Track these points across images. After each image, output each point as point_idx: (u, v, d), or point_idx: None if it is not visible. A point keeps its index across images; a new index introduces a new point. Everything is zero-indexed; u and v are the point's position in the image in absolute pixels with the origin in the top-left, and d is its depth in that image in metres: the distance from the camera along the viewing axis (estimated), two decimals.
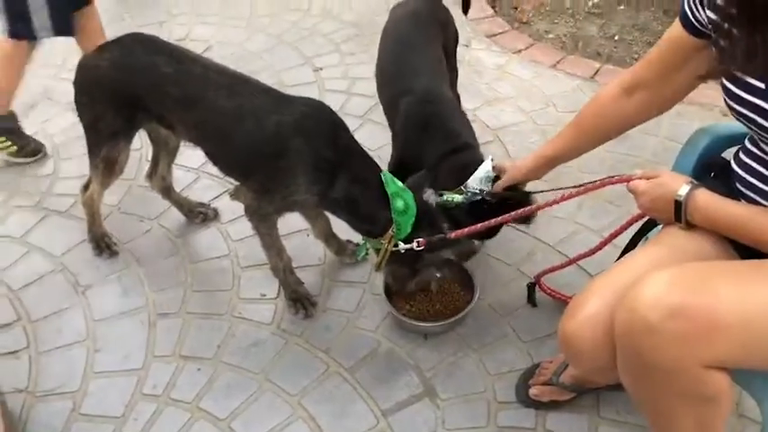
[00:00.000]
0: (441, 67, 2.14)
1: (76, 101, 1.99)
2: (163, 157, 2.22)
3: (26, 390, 1.92)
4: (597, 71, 2.98)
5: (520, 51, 3.14)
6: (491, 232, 1.98)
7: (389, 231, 1.80)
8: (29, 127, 2.80)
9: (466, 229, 1.76)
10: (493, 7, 3.52)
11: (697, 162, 1.58)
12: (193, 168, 2.56)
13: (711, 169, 1.52)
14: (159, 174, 2.26)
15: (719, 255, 1.33)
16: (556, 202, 1.71)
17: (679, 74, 1.42)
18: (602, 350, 1.28)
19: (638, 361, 1.19)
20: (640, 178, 1.42)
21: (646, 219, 1.61)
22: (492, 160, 1.87)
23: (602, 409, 1.80)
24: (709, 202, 1.31)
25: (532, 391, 1.81)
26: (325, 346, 2.00)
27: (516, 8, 3.54)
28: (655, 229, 1.58)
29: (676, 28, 1.37)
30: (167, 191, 2.32)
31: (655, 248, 1.38)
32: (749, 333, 1.12)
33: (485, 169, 1.86)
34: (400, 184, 1.82)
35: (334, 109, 1.89)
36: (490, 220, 1.74)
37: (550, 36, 3.35)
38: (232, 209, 2.36)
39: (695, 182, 1.35)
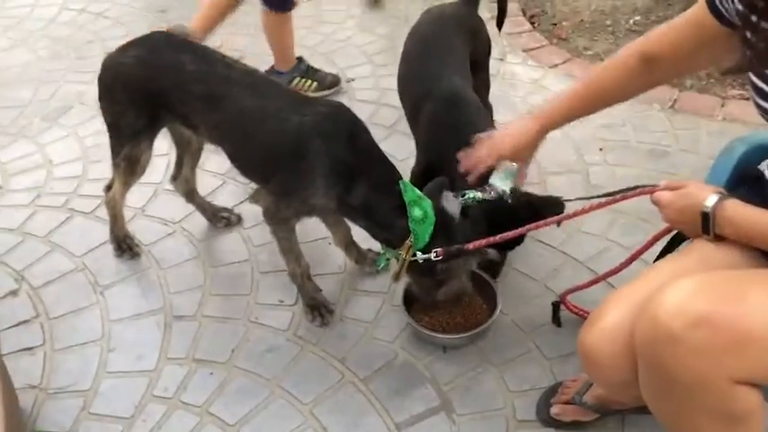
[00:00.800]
0: (465, 71, 2.10)
1: (100, 98, 1.99)
2: (186, 159, 2.21)
3: (39, 386, 1.91)
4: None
5: (556, 66, 3.08)
6: (513, 242, 1.91)
7: (407, 241, 1.74)
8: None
9: (483, 240, 1.69)
10: (531, 22, 3.47)
11: (733, 172, 1.50)
12: (219, 174, 2.55)
13: (746, 180, 1.44)
14: (183, 176, 2.25)
15: (750, 266, 1.24)
16: (576, 214, 1.63)
17: (699, 55, 1.37)
18: (623, 363, 1.21)
19: (661, 374, 1.11)
20: (665, 189, 1.34)
21: (675, 232, 1.53)
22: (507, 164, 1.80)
23: None
24: (738, 211, 1.23)
25: (554, 410, 1.73)
26: (341, 355, 1.95)
27: (555, 24, 3.49)
28: (684, 243, 1.50)
29: (701, 10, 1.30)
30: (191, 194, 2.31)
31: (680, 259, 1.31)
32: None
33: (504, 166, 1.79)
34: (418, 192, 1.76)
35: (362, 119, 1.85)
36: (508, 232, 1.67)
37: (589, 53, 3.28)
38: (255, 214, 2.33)
39: (724, 192, 1.27)
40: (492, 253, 1.79)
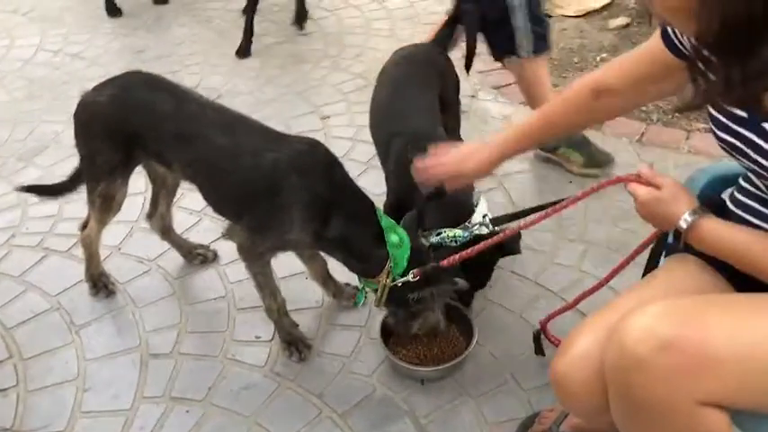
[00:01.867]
0: (434, 110, 2.14)
1: (76, 135, 2.01)
2: (162, 196, 2.22)
3: (11, 428, 1.88)
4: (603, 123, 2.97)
5: (526, 103, 3.14)
6: (482, 280, 1.95)
7: (387, 267, 1.76)
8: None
9: (457, 255, 1.73)
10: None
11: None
12: (195, 211, 2.56)
13: (709, 209, 1.48)
14: (159, 213, 2.26)
15: (716, 291, 1.28)
16: (563, 207, 1.64)
17: (653, 87, 1.40)
18: (594, 390, 1.22)
19: (630, 399, 1.13)
20: (641, 180, 1.36)
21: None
22: (485, 201, 1.85)
23: None
24: (711, 232, 1.24)
25: None
26: (319, 390, 1.94)
27: None
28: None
29: (655, 42, 1.34)
30: (167, 231, 2.31)
31: (647, 286, 1.34)
32: (744, 369, 1.06)
33: (481, 212, 1.84)
34: (392, 220, 1.79)
35: (338, 155, 1.89)
36: (480, 244, 1.72)
37: (559, 89, 3.36)
38: (231, 251, 2.30)
39: (698, 207, 1.29)
40: (461, 283, 1.82)
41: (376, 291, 1.82)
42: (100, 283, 2.25)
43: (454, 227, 1.88)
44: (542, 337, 1.97)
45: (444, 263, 1.74)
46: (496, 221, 1.92)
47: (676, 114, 3.01)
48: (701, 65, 1.17)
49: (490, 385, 1.94)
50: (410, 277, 1.75)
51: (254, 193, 1.80)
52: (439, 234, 1.84)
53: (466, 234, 1.85)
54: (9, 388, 1.99)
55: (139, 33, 3.93)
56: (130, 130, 1.91)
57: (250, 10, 3.61)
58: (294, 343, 2.02)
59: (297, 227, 1.78)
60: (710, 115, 1.23)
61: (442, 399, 1.91)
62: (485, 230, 1.88)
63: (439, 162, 1.70)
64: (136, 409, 1.92)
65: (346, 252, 1.83)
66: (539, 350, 1.98)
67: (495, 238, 1.73)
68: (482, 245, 1.72)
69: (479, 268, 1.95)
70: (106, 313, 2.21)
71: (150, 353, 2.07)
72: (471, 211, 1.93)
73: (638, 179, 1.38)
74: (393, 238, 1.75)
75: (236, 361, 2.04)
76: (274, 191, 1.76)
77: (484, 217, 1.89)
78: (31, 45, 3.79)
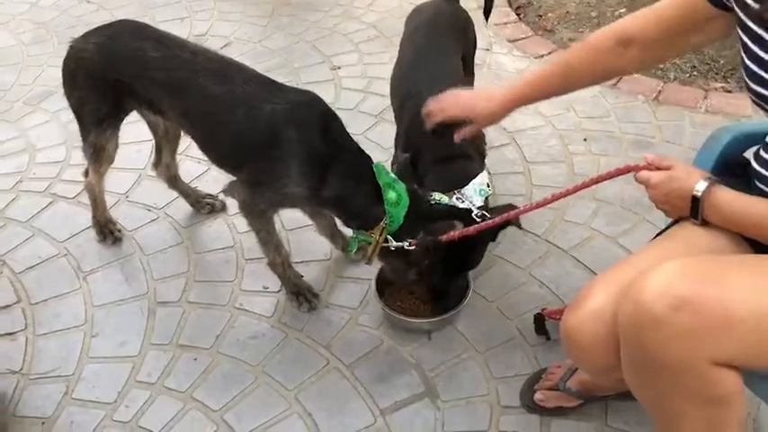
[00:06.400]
0: (458, 75, 2.09)
1: (64, 84, 1.98)
2: (165, 145, 2.19)
3: (20, 371, 1.90)
4: (619, 78, 2.91)
5: (542, 56, 3.08)
6: (475, 260, 1.91)
7: (381, 223, 1.74)
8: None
9: (457, 232, 1.71)
10: (517, 14, 3.47)
11: (718, 160, 1.51)
12: (203, 160, 2.51)
13: (732, 168, 1.45)
14: (164, 163, 2.24)
15: (734, 250, 1.25)
16: (562, 195, 1.59)
17: (683, 39, 1.36)
18: (605, 346, 1.21)
19: (643, 357, 1.12)
20: (649, 167, 1.35)
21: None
22: (489, 174, 1.80)
23: (609, 418, 1.72)
24: (726, 198, 1.24)
25: (537, 396, 1.74)
26: (326, 341, 1.95)
27: (541, 16, 3.49)
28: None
29: None
30: (173, 180, 2.29)
31: (664, 243, 1.31)
32: (762, 329, 1.04)
33: (480, 182, 1.80)
34: (392, 175, 1.76)
35: (349, 107, 1.85)
36: (481, 224, 1.69)
37: (575, 44, 3.29)
38: None
39: (712, 177, 1.28)
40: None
41: (369, 245, 1.80)
42: (106, 230, 2.24)
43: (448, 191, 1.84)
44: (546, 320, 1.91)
45: (443, 238, 1.71)
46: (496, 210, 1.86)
47: (695, 73, 2.95)
48: (742, 15, 1.12)
49: (497, 340, 1.93)
50: (405, 244, 1.73)
51: (252, 145, 1.77)
52: (431, 196, 1.80)
53: (452, 202, 1.80)
54: (18, 331, 2.00)
55: None
56: (117, 79, 1.88)
57: None
58: (302, 293, 2.02)
59: (294, 180, 1.75)
60: (746, 68, 1.19)
61: (449, 353, 1.91)
62: (474, 205, 1.82)
63: (452, 98, 1.66)
64: (143, 355, 1.93)
65: (342, 209, 1.81)
66: (542, 332, 1.91)
67: (497, 219, 1.69)
68: (483, 224, 1.69)
69: (468, 248, 1.86)
70: (114, 260, 2.20)
71: (158, 300, 2.07)
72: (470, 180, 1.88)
73: (648, 166, 1.35)
74: (391, 195, 1.72)
75: (244, 310, 2.04)
76: (272, 143, 1.73)
77: (481, 191, 1.83)
78: None
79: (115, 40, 1.90)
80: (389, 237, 1.75)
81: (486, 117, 1.71)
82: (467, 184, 1.88)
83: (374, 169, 1.75)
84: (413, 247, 1.74)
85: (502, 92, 1.66)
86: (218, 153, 1.92)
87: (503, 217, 1.71)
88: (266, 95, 1.77)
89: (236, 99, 1.77)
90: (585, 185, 1.54)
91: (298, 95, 1.81)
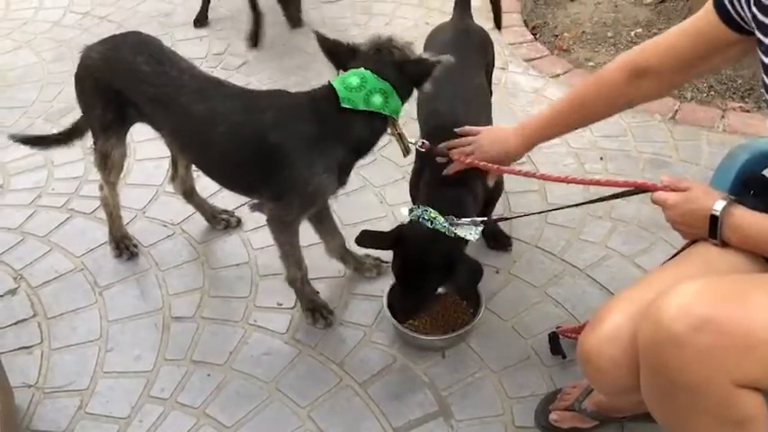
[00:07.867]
0: (484, 94, 2.10)
1: (75, 90, 2.02)
2: (179, 158, 2.21)
3: (35, 385, 1.90)
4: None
5: (558, 76, 3.08)
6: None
7: (388, 122, 1.74)
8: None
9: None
10: (533, 33, 3.48)
11: (736, 178, 1.50)
12: None
13: (750, 186, 1.44)
14: (180, 176, 2.25)
15: (753, 270, 1.24)
16: (576, 181, 1.68)
17: (699, 65, 1.36)
18: (624, 368, 1.20)
19: (663, 378, 1.10)
20: (666, 188, 1.34)
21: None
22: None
23: None
24: (745, 218, 1.23)
25: (552, 417, 1.72)
26: (339, 358, 1.94)
27: (557, 35, 3.50)
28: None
29: (707, 19, 1.29)
30: (189, 194, 2.31)
31: (683, 263, 1.30)
32: None
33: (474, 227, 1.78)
34: (377, 81, 1.68)
35: None
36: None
37: (591, 64, 3.29)
38: (255, 218, 2.32)
39: (730, 196, 1.27)
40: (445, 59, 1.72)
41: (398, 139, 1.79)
42: (122, 245, 2.25)
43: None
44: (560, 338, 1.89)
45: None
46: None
47: (712, 92, 2.94)
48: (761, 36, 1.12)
49: (512, 360, 1.92)
50: (418, 145, 1.79)
51: (249, 162, 1.76)
52: (426, 210, 1.78)
53: (446, 225, 1.77)
54: (34, 345, 2.01)
55: None
56: (118, 89, 1.91)
57: None
58: (318, 309, 2.01)
59: (323, 174, 1.74)
60: (766, 87, 1.18)
61: (464, 372, 1.89)
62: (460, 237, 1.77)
63: (480, 154, 1.70)
64: (157, 370, 1.93)
65: (365, 148, 1.80)
66: (555, 350, 1.89)
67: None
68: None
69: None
70: (130, 275, 2.21)
71: (172, 316, 2.08)
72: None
73: (664, 187, 1.35)
74: (377, 99, 1.67)
75: (258, 327, 2.04)
76: (268, 154, 1.72)
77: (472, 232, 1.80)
78: (59, 7, 3.77)
79: (116, 52, 1.94)
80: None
81: (503, 161, 1.74)
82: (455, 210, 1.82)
83: (364, 76, 1.68)
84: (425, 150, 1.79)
85: (518, 137, 1.69)
86: (220, 177, 1.95)
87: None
88: (245, 107, 1.78)
89: (217, 115, 1.77)
90: (599, 183, 1.55)
91: (278, 98, 1.80)
